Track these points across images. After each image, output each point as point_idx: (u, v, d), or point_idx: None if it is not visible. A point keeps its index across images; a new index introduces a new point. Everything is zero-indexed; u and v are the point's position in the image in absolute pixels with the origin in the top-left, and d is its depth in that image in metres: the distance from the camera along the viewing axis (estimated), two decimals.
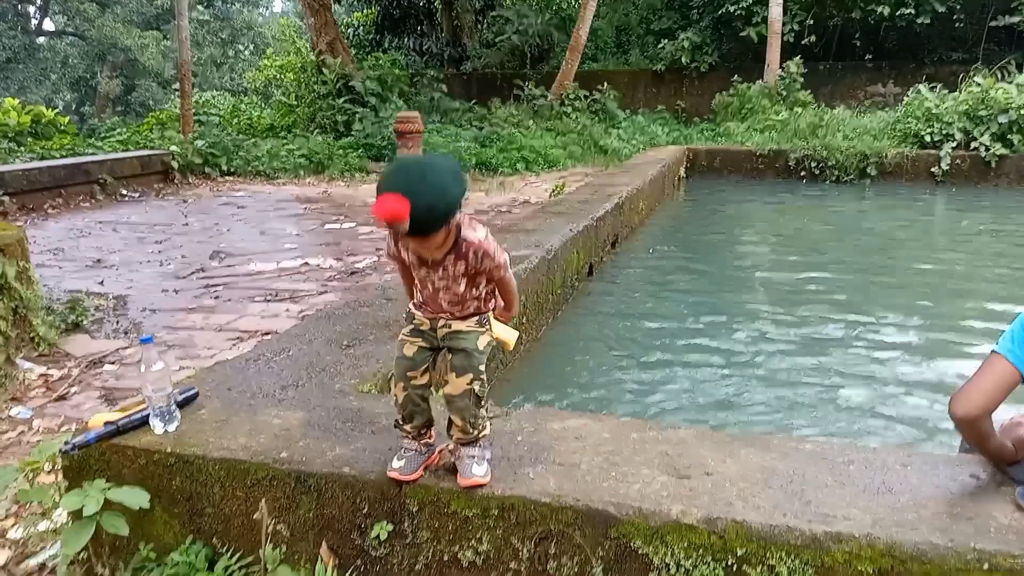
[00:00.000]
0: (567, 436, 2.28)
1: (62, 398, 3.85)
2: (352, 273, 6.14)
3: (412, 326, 2.05)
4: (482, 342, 2.01)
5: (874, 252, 7.88)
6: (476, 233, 1.91)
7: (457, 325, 2.01)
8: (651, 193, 9.21)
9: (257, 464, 2.15)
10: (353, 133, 13.97)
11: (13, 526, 2.71)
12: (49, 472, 2.68)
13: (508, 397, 2.79)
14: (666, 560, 1.91)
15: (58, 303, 4.90)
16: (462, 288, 1.95)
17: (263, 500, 2.14)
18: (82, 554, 2.24)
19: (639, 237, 7.92)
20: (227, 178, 12.27)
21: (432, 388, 2.10)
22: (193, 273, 6.31)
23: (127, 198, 10.50)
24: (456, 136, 13.63)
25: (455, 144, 13.01)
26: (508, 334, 2.09)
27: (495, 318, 2.06)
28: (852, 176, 12.14)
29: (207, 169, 12.31)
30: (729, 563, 1.85)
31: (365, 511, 2.10)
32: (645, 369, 4.42)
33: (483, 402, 2.04)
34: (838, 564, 1.78)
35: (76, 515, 2.09)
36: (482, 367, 2.01)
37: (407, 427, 2.09)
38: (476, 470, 2.05)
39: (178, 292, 5.76)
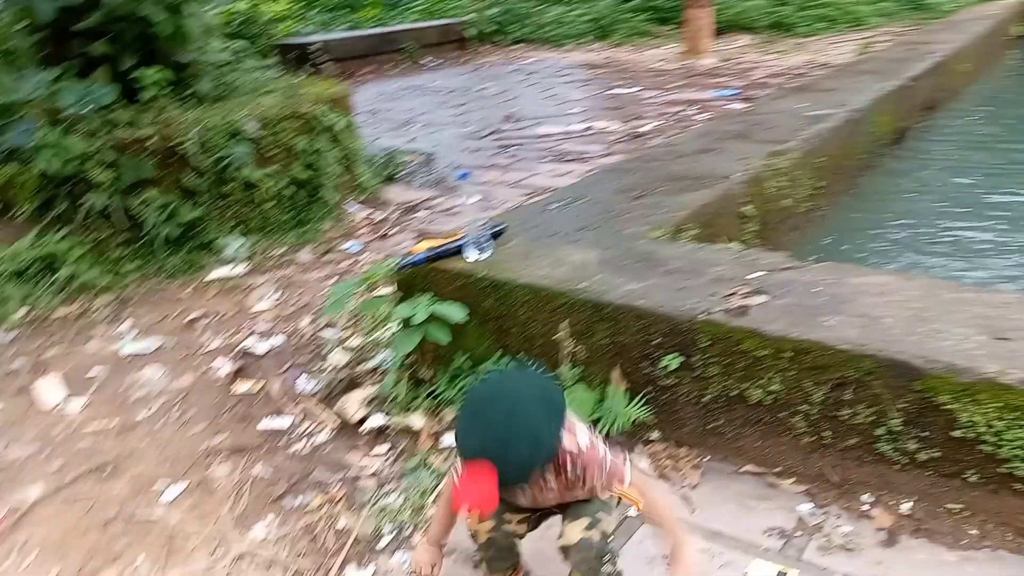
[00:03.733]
0: (869, 291, 2.18)
1: (384, 236, 4.39)
2: (636, 136, 6.14)
3: None
4: (605, 492, 1.61)
5: None
6: (577, 438, 1.51)
7: None
8: (978, 53, 8.00)
9: (559, 291, 2.32)
10: None
11: (353, 335, 3.21)
12: (380, 293, 3.11)
13: (804, 254, 2.72)
14: (974, 419, 1.81)
15: (377, 157, 5.49)
16: (565, 498, 1.61)
17: (563, 323, 2.32)
18: (410, 358, 2.61)
19: (961, 102, 6.98)
20: (516, 46, 12.61)
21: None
22: (489, 134, 6.71)
23: (427, 65, 11.24)
24: None
25: (746, 2, 12.14)
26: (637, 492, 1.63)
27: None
28: None
29: (498, 37, 12.73)
30: None
31: (656, 342, 2.20)
32: (959, 237, 4.02)
33: (607, 559, 1.59)
34: None
35: (406, 323, 2.43)
36: (604, 514, 1.61)
37: (489, 574, 1.78)
38: None
39: (476, 151, 6.18)
